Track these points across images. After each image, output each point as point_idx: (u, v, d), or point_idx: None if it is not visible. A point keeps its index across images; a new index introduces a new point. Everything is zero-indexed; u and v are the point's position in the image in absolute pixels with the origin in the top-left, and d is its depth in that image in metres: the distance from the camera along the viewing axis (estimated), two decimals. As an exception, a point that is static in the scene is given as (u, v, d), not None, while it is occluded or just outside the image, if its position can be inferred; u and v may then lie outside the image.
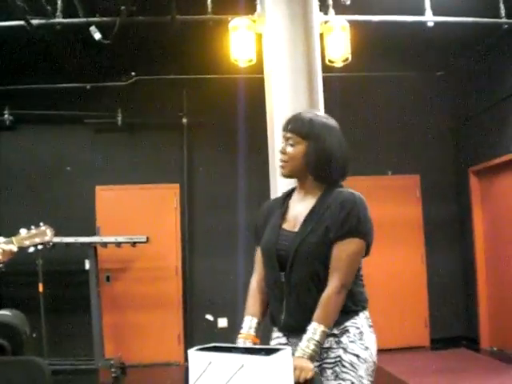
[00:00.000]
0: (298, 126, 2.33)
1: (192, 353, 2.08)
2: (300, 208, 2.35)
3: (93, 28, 4.95)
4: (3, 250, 2.86)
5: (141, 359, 6.65)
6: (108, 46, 5.06)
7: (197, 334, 6.79)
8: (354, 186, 2.32)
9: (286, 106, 3.82)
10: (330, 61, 4.58)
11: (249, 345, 2.22)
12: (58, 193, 6.80)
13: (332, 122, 2.38)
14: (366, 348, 2.25)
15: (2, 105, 6.81)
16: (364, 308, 2.32)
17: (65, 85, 6.67)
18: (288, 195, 2.45)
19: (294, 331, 2.26)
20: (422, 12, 5.21)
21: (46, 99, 6.74)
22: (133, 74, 6.72)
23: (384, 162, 7.34)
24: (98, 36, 4.94)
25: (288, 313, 2.29)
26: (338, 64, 4.63)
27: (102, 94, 6.77)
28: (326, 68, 4.48)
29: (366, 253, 2.28)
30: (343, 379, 2.20)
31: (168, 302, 6.85)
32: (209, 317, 6.86)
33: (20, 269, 5.73)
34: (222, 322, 6.81)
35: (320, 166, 2.30)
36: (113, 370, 6.00)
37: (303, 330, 2.17)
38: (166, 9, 4.97)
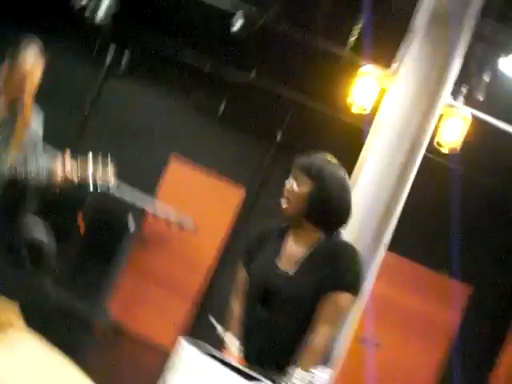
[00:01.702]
0: (308, 166, 2.31)
1: (183, 342, 2.09)
2: (296, 249, 2.33)
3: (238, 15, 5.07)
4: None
5: (139, 331, 6.67)
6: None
7: (198, 330, 6.75)
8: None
9: (378, 164, 3.83)
10: (438, 143, 4.57)
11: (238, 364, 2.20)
12: (136, 151, 6.90)
13: (342, 171, 2.35)
14: None
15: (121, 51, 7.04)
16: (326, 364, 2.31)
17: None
18: (285, 231, 2.40)
19: (260, 362, 2.25)
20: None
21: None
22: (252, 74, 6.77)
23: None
24: (238, 25, 5.04)
25: (257, 346, 2.29)
26: (444, 150, 4.62)
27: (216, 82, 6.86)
28: (431, 148, 4.43)
29: None
30: None
31: (186, 293, 6.84)
32: (212, 320, 6.82)
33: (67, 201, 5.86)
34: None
35: (321, 210, 2.29)
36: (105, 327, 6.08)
37: (270, 363, 2.21)
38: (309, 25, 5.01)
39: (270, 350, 2.25)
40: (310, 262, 2.27)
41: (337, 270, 2.21)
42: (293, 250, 2.33)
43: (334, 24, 5.11)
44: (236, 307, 2.45)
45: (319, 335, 2.18)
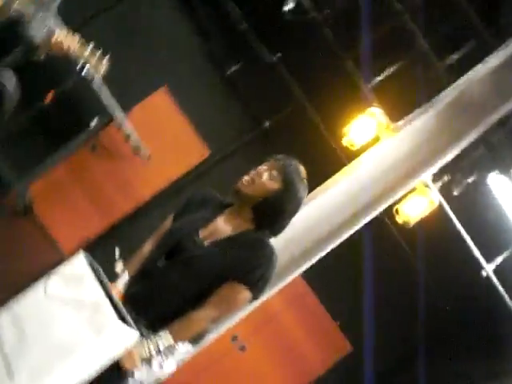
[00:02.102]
0: (287, 169, 2.37)
1: (81, 254, 2.10)
2: (223, 227, 2.37)
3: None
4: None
5: (48, 225, 6.58)
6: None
7: (100, 254, 6.71)
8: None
9: (332, 200, 3.86)
10: (396, 210, 4.65)
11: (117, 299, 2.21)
12: (134, 62, 6.82)
13: (305, 191, 2.41)
14: (157, 372, 2.24)
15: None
16: (194, 343, 2.33)
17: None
18: (223, 206, 2.45)
19: (135, 306, 2.23)
20: None
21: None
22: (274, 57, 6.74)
23: None
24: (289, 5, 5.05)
25: (143, 293, 2.30)
26: (399, 219, 4.69)
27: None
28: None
29: None
30: None
31: (108, 214, 6.75)
32: (117, 250, 6.82)
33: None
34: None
35: (272, 211, 2.33)
36: (20, 201, 6.00)
37: (144, 314, 2.21)
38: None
39: (152, 303, 2.27)
40: (228, 244, 2.30)
41: (250, 264, 2.24)
42: (219, 227, 2.37)
43: (366, 57, 5.14)
44: (145, 248, 2.49)
45: (204, 315, 2.22)
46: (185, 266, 2.26)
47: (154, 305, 2.26)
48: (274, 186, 2.32)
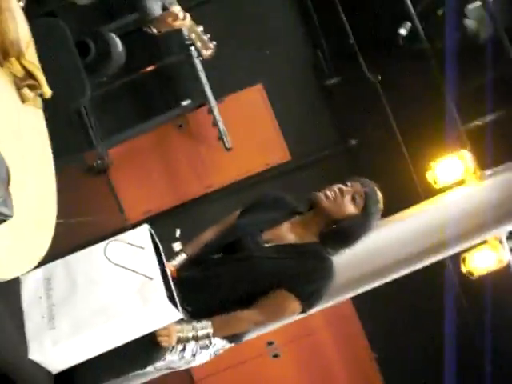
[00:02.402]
0: (371, 198, 2.33)
1: (145, 227, 2.13)
2: (288, 234, 2.34)
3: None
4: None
5: (119, 189, 6.75)
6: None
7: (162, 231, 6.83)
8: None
9: (399, 232, 3.79)
10: (463, 259, 4.56)
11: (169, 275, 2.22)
12: (238, 53, 6.89)
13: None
14: (189, 359, 2.27)
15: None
16: (231, 341, 2.33)
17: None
18: (295, 213, 2.42)
19: (183, 290, 2.21)
20: None
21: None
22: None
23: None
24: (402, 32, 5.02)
25: (193, 280, 2.28)
26: (464, 267, 4.60)
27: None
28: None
29: None
30: None
31: (180, 194, 6.85)
32: (178, 231, 6.93)
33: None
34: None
35: (344, 233, 2.31)
36: (99, 161, 6.17)
37: (190, 300, 2.21)
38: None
39: (200, 293, 2.26)
40: (289, 251, 2.28)
41: (306, 277, 2.21)
42: (284, 232, 2.34)
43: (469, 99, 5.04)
44: (207, 234, 2.49)
45: (248, 316, 2.20)
46: (240, 264, 2.25)
47: (201, 294, 2.25)
48: (353, 210, 2.29)
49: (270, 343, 6.52)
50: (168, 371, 2.39)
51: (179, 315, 1.96)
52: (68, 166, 5.39)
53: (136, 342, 1.95)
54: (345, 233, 2.29)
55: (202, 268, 2.30)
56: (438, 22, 5.10)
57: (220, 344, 2.29)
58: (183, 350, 2.21)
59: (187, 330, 2.13)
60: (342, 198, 2.27)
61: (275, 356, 6.69)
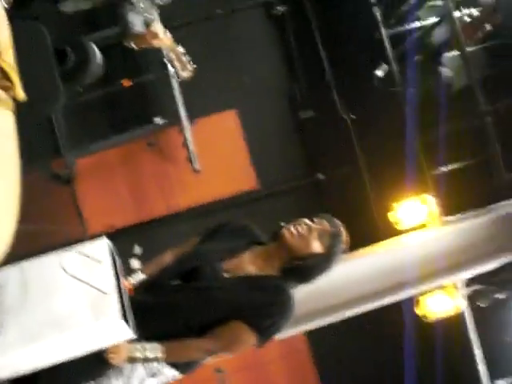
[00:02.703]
0: (340, 242, 2.30)
1: (105, 240, 2.11)
2: (249, 264, 2.29)
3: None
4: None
5: (82, 201, 6.68)
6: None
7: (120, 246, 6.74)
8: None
9: (358, 269, 3.82)
10: (417, 301, 4.59)
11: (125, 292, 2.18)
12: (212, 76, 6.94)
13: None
14: None
15: None
16: (179, 371, 2.26)
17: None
18: (257, 244, 2.37)
19: (137, 314, 2.10)
20: None
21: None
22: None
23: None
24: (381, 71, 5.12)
25: (148, 305, 2.21)
26: (419, 310, 4.63)
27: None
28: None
29: None
30: None
31: (147, 211, 6.81)
32: (137, 248, 6.87)
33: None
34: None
35: (303, 272, 2.27)
36: (65, 170, 6.11)
37: (143, 324, 2.09)
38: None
39: (154, 319, 2.20)
40: (248, 283, 2.23)
41: (264, 310, 2.17)
42: (244, 263, 2.29)
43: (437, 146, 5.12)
44: (165, 257, 2.44)
45: (202, 346, 2.16)
46: (198, 293, 2.19)
47: (155, 320, 2.19)
48: (318, 249, 2.24)
49: (219, 370, 6.45)
50: None
51: (131, 335, 1.93)
52: (33, 171, 5.33)
53: (86, 356, 1.91)
54: (307, 271, 2.26)
55: (157, 293, 2.25)
56: (414, 67, 5.20)
57: (170, 374, 2.23)
58: (129, 377, 2.16)
59: (137, 350, 2.08)
60: (309, 235, 2.23)
61: (221, 383, 6.62)
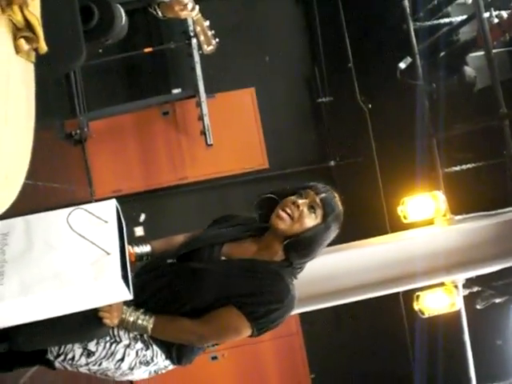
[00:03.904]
0: (332, 205, 2.18)
1: (114, 203, 2.11)
2: (248, 251, 2.23)
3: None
4: None
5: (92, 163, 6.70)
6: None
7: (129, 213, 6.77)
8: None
9: (359, 259, 3.82)
10: (417, 296, 4.59)
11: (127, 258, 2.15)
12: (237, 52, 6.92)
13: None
14: (126, 371, 2.18)
15: None
16: (175, 362, 2.21)
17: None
18: (260, 229, 2.28)
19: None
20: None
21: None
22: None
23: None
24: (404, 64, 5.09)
25: (145, 284, 2.18)
26: (416, 305, 4.64)
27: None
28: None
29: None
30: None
31: (158, 179, 6.83)
32: (143, 215, 6.90)
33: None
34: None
35: (305, 247, 2.16)
36: (78, 131, 6.12)
37: (141, 295, 2.11)
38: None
39: (150, 298, 2.17)
40: (245, 267, 2.17)
41: (259, 297, 2.09)
42: (245, 249, 2.24)
43: (453, 144, 5.10)
44: (179, 237, 2.40)
45: (194, 327, 2.11)
46: (192, 275, 2.14)
47: (151, 300, 2.15)
48: (313, 222, 2.13)
49: (212, 345, 6.49)
50: (103, 377, 2.24)
51: (129, 296, 1.93)
52: (47, 129, 5.34)
53: (80, 314, 1.91)
54: (307, 243, 2.14)
55: (156, 274, 2.21)
56: (439, 62, 5.16)
57: (162, 364, 2.20)
58: (121, 360, 2.13)
59: (130, 314, 2.08)
60: (299, 214, 2.13)
61: (214, 358, 6.67)
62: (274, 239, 2.19)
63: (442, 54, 5.23)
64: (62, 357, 2.13)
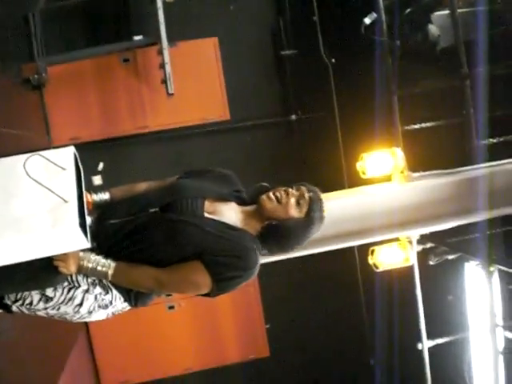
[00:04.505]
0: (318, 207, 2.30)
1: (72, 149, 2.08)
2: (229, 214, 2.30)
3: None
4: None
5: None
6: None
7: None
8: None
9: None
10: (372, 251, 4.66)
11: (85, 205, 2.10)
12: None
13: (318, 229, 2.34)
14: (84, 315, 2.23)
15: None
16: (132, 305, 2.29)
17: None
18: (240, 198, 2.37)
19: (107, 234, 2.20)
20: None
21: None
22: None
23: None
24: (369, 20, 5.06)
25: (120, 228, 2.21)
26: (371, 260, 4.71)
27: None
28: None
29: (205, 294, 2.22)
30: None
31: (121, 126, 6.75)
32: (101, 164, 6.82)
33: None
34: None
35: (281, 236, 2.28)
36: (36, 76, 5.96)
37: (110, 246, 2.17)
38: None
39: (123, 244, 2.19)
40: (224, 230, 2.22)
41: (228, 261, 2.15)
42: (226, 211, 2.30)
43: (414, 101, 5.13)
44: (141, 185, 2.41)
45: (154, 274, 2.14)
46: (171, 224, 2.17)
47: (124, 245, 2.17)
48: (297, 214, 2.26)
49: (169, 294, 6.54)
50: (61, 320, 2.27)
51: (87, 244, 1.92)
52: (3, 73, 5.20)
53: (37, 262, 1.91)
54: (285, 232, 2.26)
55: (133, 220, 2.21)
56: (403, 20, 5.15)
57: (120, 306, 2.25)
58: (80, 305, 2.16)
59: (89, 261, 2.08)
60: (287, 201, 2.25)
61: (171, 307, 6.72)
62: (256, 216, 2.30)
63: (407, 11, 5.20)
64: (19, 302, 2.14)
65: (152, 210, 2.23)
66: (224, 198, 2.33)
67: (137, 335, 6.70)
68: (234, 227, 2.25)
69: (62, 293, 2.14)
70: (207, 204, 2.27)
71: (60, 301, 2.15)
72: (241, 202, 2.36)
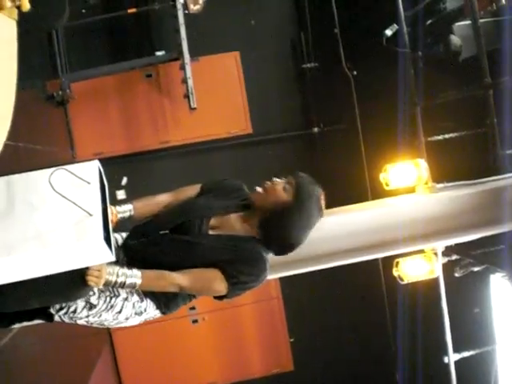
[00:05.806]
0: (305, 188, 2.34)
1: (97, 163, 2.10)
2: (233, 224, 2.40)
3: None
4: None
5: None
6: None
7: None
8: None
9: (341, 225, 3.83)
10: (397, 263, 4.63)
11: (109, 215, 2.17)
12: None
13: (318, 214, 2.37)
14: (122, 321, 2.35)
15: None
16: (162, 312, 2.40)
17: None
18: (245, 206, 2.45)
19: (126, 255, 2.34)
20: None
21: None
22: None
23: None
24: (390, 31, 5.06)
25: (136, 250, 2.35)
26: (396, 272, 4.67)
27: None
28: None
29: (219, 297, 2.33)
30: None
31: (142, 140, 6.81)
32: (125, 179, 6.87)
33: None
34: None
35: (277, 225, 2.32)
36: (60, 92, 6.03)
37: (126, 252, 2.33)
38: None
39: (141, 264, 2.27)
40: (229, 242, 2.32)
41: (243, 268, 2.27)
42: (231, 223, 2.40)
43: (437, 112, 5.10)
44: (162, 197, 2.52)
45: (176, 280, 2.23)
46: (182, 246, 2.29)
47: (140, 264, 2.25)
48: (285, 197, 2.30)
49: (192, 308, 6.55)
50: (99, 327, 2.42)
51: (112, 257, 1.94)
52: (28, 89, 5.27)
53: (66, 274, 1.93)
54: (279, 219, 2.30)
55: (147, 242, 2.35)
56: (425, 31, 5.13)
57: (152, 313, 2.37)
58: (119, 312, 2.28)
59: (117, 275, 2.12)
60: (274, 188, 2.32)
61: (195, 321, 6.73)
62: (253, 216, 2.38)
63: (429, 22, 5.19)
64: (64, 310, 2.24)
65: (162, 232, 2.36)
66: (230, 211, 2.42)
67: (161, 349, 6.71)
68: (241, 237, 2.35)
69: (105, 301, 2.26)
70: (213, 221, 2.39)
71: (102, 308, 2.27)
72: (247, 208, 2.44)
